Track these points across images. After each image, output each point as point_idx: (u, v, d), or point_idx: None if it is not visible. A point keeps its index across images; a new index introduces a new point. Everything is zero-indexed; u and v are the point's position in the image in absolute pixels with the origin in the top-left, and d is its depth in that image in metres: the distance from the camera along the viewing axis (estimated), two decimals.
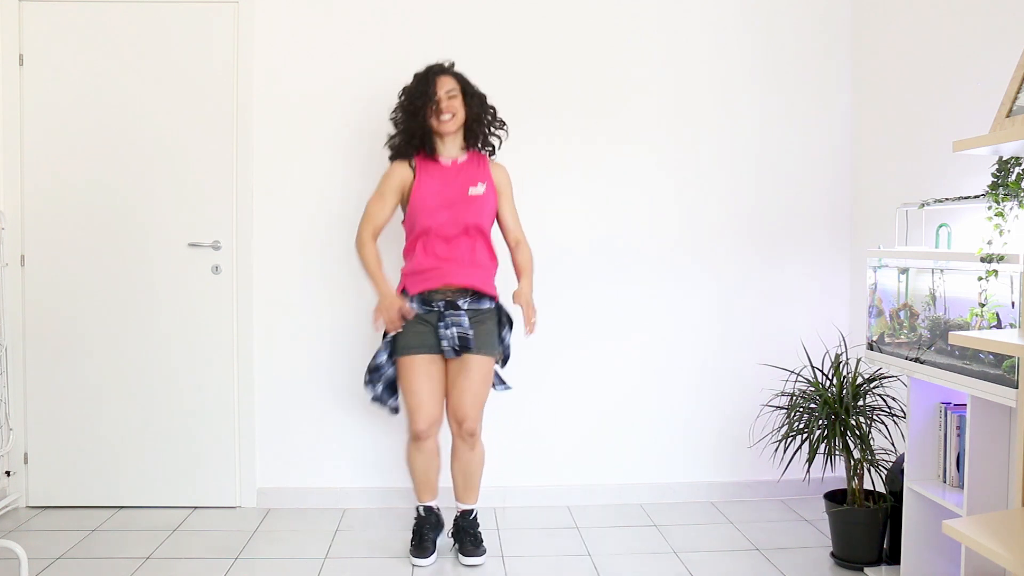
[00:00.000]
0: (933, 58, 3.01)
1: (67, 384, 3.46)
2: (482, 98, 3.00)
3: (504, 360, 3.07)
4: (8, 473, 3.45)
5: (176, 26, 3.41)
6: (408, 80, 2.98)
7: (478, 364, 2.91)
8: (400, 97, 2.98)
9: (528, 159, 3.49)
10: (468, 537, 2.97)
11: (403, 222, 3.01)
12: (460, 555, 2.96)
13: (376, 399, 3.00)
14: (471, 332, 2.89)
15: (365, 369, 2.99)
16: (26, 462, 3.48)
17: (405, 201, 2.97)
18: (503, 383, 3.09)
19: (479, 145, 3.00)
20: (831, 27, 3.58)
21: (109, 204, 3.44)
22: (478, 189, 2.94)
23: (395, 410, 3.03)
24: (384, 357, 2.95)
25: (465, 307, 2.90)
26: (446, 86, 2.92)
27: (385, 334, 2.96)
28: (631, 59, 3.53)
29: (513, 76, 3.49)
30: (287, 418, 3.51)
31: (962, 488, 2.42)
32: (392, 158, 3.01)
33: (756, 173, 3.59)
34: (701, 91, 3.56)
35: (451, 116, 2.90)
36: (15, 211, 3.42)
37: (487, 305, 2.95)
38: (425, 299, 2.90)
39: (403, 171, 2.96)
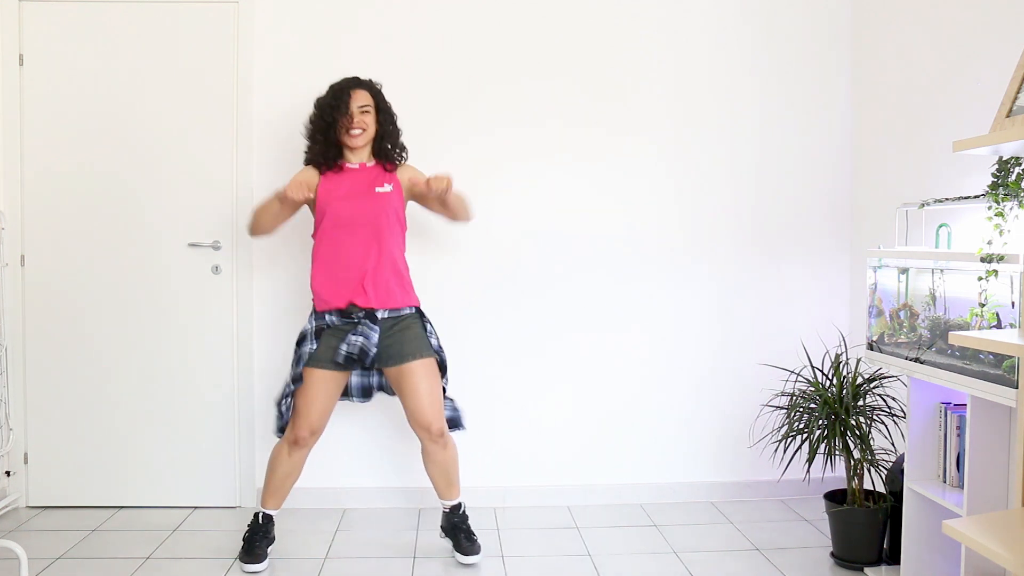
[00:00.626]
0: (933, 58, 3.01)
1: (67, 384, 3.46)
2: (393, 116, 2.99)
3: (443, 368, 2.98)
4: (8, 473, 3.45)
5: (176, 26, 3.41)
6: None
7: (421, 367, 2.88)
8: (314, 108, 2.96)
9: (529, 160, 3.50)
10: (462, 533, 2.97)
11: (312, 234, 2.96)
12: (458, 554, 2.95)
13: (281, 429, 2.95)
14: (375, 349, 2.83)
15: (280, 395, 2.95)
16: (26, 462, 3.48)
17: (312, 207, 2.95)
18: (459, 425, 3.06)
19: (387, 160, 2.98)
20: (831, 27, 3.58)
21: (109, 204, 3.44)
22: (384, 188, 2.93)
23: (281, 431, 2.95)
24: (296, 372, 2.89)
25: (384, 316, 2.88)
26: (359, 101, 2.91)
27: (298, 346, 2.91)
28: (631, 59, 3.53)
29: (514, 77, 3.49)
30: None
31: (962, 488, 2.42)
32: (306, 163, 3.00)
33: (756, 173, 3.59)
34: (701, 91, 3.56)
35: (361, 131, 2.90)
36: (15, 211, 3.42)
37: (407, 311, 2.93)
38: (344, 312, 2.86)
39: (309, 173, 2.95)
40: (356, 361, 2.84)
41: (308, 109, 3.44)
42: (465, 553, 2.93)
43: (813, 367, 3.02)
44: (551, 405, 3.56)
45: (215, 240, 3.46)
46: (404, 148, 3.04)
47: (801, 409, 2.93)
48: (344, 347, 2.82)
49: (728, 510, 3.47)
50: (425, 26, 3.48)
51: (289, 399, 2.90)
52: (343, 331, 2.86)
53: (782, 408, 3.06)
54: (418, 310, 2.98)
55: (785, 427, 2.97)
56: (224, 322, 3.47)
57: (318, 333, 2.89)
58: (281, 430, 2.94)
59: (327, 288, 2.88)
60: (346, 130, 2.89)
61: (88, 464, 3.48)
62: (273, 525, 3.00)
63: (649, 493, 3.57)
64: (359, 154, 2.97)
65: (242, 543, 2.95)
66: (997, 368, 2.16)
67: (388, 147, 2.97)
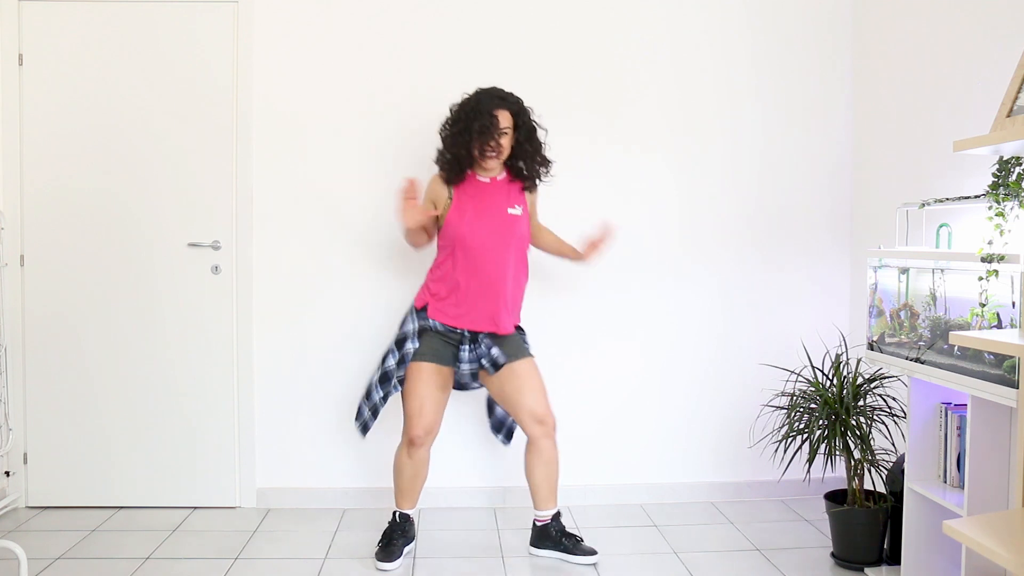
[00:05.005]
0: (933, 58, 3.00)
1: (67, 384, 3.46)
2: (533, 134, 2.91)
3: None
4: (8, 473, 3.45)
5: (176, 26, 3.41)
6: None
7: (527, 364, 2.94)
8: (451, 116, 2.90)
9: None
10: (568, 538, 2.95)
11: (437, 239, 2.97)
12: (575, 556, 2.91)
13: (363, 424, 2.98)
14: (493, 352, 2.88)
15: (374, 379, 2.96)
16: (26, 462, 3.48)
17: (442, 217, 2.93)
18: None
19: (517, 177, 2.95)
20: (832, 27, 3.58)
21: (109, 204, 3.44)
22: (516, 210, 2.91)
23: (364, 430, 3.00)
24: (393, 362, 2.92)
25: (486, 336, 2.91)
26: (502, 123, 2.84)
27: (398, 347, 2.92)
28: (634, 58, 3.53)
29: (516, 79, 3.48)
30: (287, 418, 3.51)
31: (962, 488, 2.42)
32: (438, 167, 2.95)
33: (757, 173, 3.59)
34: (703, 92, 3.56)
35: (495, 155, 2.87)
36: (15, 211, 3.42)
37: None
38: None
39: (438, 186, 2.93)
40: (475, 376, 2.94)
41: (308, 108, 3.47)
42: (588, 553, 2.91)
43: (813, 367, 3.02)
44: (551, 405, 3.55)
45: (215, 240, 3.45)
46: (547, 162, 2.96)
47: (801, 409, 2.93)
48: (466, 366, 2.89)
49: (728, 510, 3.47)
50: (425, 28, 3.47)
51: (381, 400, 2.94)
52: (448, 337, 2.89)
53: (782, 408, 3.06)
54: (518, 327, 3.01)
55: (785, 427, 2.97)
56: (224, 322, 3.47)
57: (420, 332, 2.91)
58: (363, 428, 2.98)
59: (449, 308, 2.88)
60: (481, 152, 2.84)
61: (88, 464, 3.48)
62: (411, 524, 3.03)
63: (649, 493, 3.57)
64: (492, 169, 2.93)
65: (380, 541, 2.99)
66: (997, 368, 2.16)
67: (527, 166, 2.92)
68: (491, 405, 3.17)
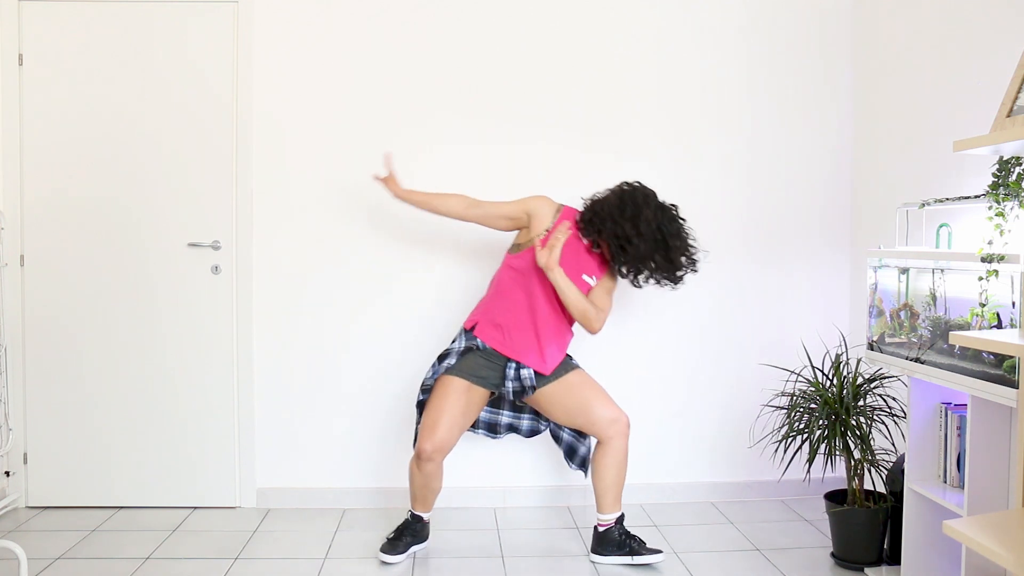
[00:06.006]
0: (933, 58, 3.00)
1: (67, 384, 3.46)
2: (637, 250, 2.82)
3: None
4: (8, 473, 3.45)
5: (176, 26, 3.41)
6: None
7: (576, 377, 2.94)
8: (662, 222, 2.83)
9: (528, 163, 3.49)
10: (634, 540, 2.91)
11: (513, 258, 2.91)
12: (641, 556, 2.87)
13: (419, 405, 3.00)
14: (533, 379, 2.88)
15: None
16: (26, 462, 3.48)
17: (524, 242, 2.90)
18: (539, 431, 3.11)
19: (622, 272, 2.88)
20: (831, 27, 3.58)
21: (109, 204, 3.44)
22: (591, 280, 2.90)
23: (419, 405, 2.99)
24: (430, 375, 2.92)
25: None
26: None
27: (438, 361, 2.92)
28: (629, 57, 3.53)
29: (511, 82, 3.49)
30: (287, 418, 3.51)
31: (962, 488, 2.42)
32: (582, 231, 2.86)
33: (757, 172, 3.59)
34: (702, 91, 3.56)
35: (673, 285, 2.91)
36: (15, 211, 3.42)
37: None
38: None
39: (545, 210, 2.87)
40: (521, 393, 2.90)
41: (308, 108, 3.46)
42: (652, 552, 2.88)
43: (813, 367, 3.02)
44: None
45: (215, 240, 3.45)
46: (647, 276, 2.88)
47: (801, 409, 2.93)
48: (510, 384, 2.87)
49: (728, 510, 3.47)
50: (424, 27, 3.47)
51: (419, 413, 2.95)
52: (492, 358, 2.88)
53: (782, 408, 3.06)
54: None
55: (785, 427, 2.97)
56: (224, 322, 3.47)
57: (464, 352, 2.89)
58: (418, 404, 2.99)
59: (502, 335, 2.87)
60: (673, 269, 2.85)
61: (88, 464, 3.48)
62: (424, 526, 3.03)
63: (649, 493, 3.57)
64: None
65: (389, 533, 3.01)
66: (997, 368, 2.16)
67: (627, 262, 2.83)
68: (555, 435, 3.11)
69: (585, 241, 2.88)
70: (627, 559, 2.89)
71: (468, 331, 2.92)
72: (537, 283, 2.85)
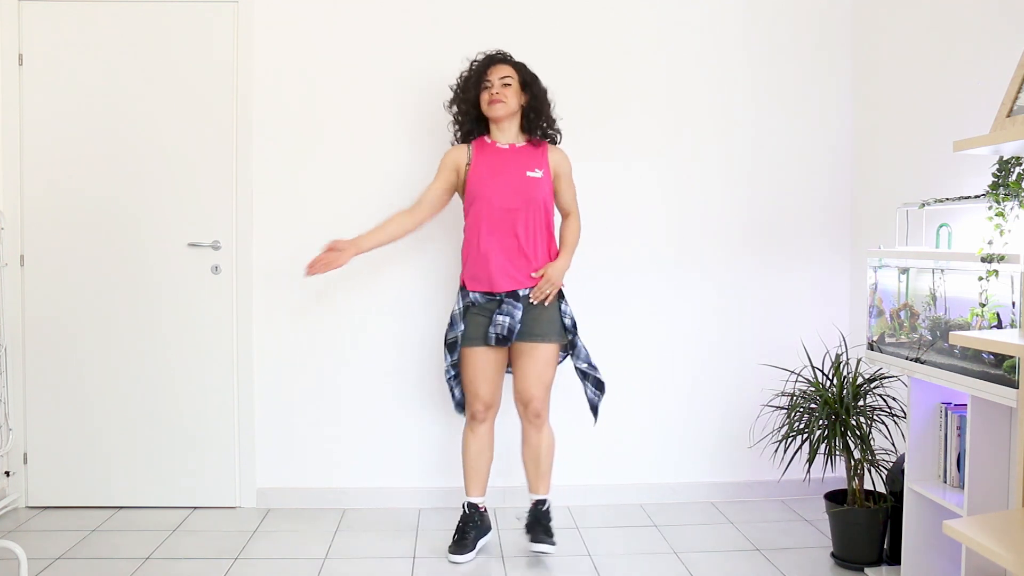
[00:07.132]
0: (933, 58, 3.00)
1: (67, 384, 3.46)
2: (541, 91, 3.01)
3: (573, 347, 3.03)
4: (8, 473, 3.45)
5: (176, 26, 3.41)
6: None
7: (541, 350, 2.95)
8: (456, 82, 3.03)
9: None
10: (540, 528, 2.95)
11: (463, 207, 3.01)
12: (530, 542, 2.93)
13: (458, 404, 3.05)
14: (519, 325, 2.91)
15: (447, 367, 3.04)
16: (26, 462, 3.48)
17: (463, 189, 3.00)
18: (595, 410, 3.09)
19: (537, 134, 3.02)
20: (831, 27, 3.58)
21: (109, 204, 3.44)
22: (535, 173, 2.95)
23: (459, 406, 3.06)
24: (448, 337, 2.99)
25: (525, 293, 2.93)
26: (500, 73, 2.95)
27: (450, 328, 3.00)
28: (629, 58, 3.53)
29: None
30: (287, 418, 3.51)
31: (962, 488, 2.42)
32: (455, 130, 3.07)
33: (757, 173, 3.59)
34: (701, 92, 3.56)
35: (502, 103, 2.93)
36: (15, 211, 3.42)
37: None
38: (489, 291, 2.94)
39: (458, 153, 3.01)
40: (505, 339, 2.91)
41: (308, 108, 3.47)
42: (537, 541, 2.90)
43: (813, 367, 3.02)
44: (551, 405, 3.55)
45: (215, 240, 3.45)
46: (554, 124, 3.05)
47: (801, 409, 2.93)
48: (493, 329, 2.90)
49: (728, 510, 3.47)
50: (426, 27, 3.47)
51: (452, 380, 3.03)
52: (488, 309, 2.93)
53: (782, 408, 3.06)
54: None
55: (785, 427, 2.97)
56: (224, 322, 3.47)
57: (465, 312, 2.96)
58: (459, 405, 3.05)
59: (475, 271, 2.94)
60: (487, 102, 2.94)
61: (88, 464, 3.48)
62: (484, 516, 3.04)
63: (649, 493, 3.57)
64: (507, 133, 3.00)
65: (454, 534, 3.00)
66: (997, 368, 2.16)
67: (540, 121, 2.99)
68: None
69: (522, 143, 3.00)
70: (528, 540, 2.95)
71: (462, 288, 3.00)
72: (485, 217, 2.91)
